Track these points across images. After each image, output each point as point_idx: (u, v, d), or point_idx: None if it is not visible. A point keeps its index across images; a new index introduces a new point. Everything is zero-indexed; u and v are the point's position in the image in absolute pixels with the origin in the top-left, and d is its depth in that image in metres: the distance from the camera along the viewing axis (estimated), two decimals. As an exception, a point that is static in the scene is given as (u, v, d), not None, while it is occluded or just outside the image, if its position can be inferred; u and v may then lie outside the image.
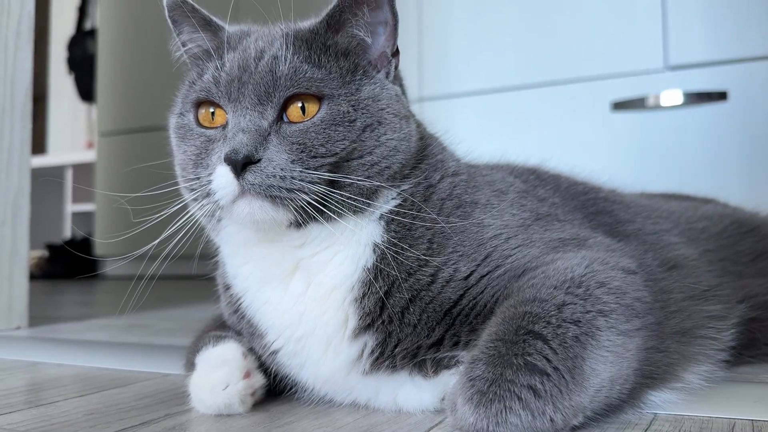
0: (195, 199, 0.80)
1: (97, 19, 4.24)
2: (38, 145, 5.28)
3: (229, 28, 0.87)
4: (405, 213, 0.80)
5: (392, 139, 0.79)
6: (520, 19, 2.75)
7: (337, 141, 0.75)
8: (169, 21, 0.89)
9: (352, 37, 0.81)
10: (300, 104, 0.76)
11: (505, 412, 0.65)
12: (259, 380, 0.84)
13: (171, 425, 0.77)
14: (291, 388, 0.87)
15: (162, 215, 0.86)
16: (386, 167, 0.79)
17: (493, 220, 0.83)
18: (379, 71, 0.83)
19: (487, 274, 0.79)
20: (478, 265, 0.79)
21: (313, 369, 0.81)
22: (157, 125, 3.62)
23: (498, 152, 1.10)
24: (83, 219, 4.35)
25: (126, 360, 1.16)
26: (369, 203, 0.78)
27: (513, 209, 0.87)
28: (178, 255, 0.89)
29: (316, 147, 0.75)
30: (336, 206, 0.75)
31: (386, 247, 0.78)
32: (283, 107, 0.76)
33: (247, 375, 0.83)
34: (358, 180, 0.76)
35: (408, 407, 0.80)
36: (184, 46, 0.89)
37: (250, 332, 0.86)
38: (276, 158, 0.73)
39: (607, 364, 0.70)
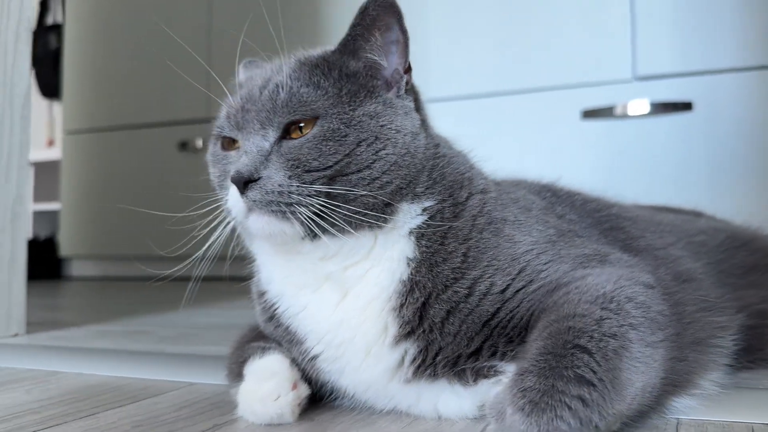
0: (223, 217, 0.87)
1: (60, 13, 4.15)
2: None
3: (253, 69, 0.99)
4: (435, 229, 0.85)
5: (392, 154, 0.83)
6: (495, 27, 2.82)
7: (329, 155, 0.81)
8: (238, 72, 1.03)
9: (366, 60, 0.87)
10: (299, 126, 0.83)
11: (556, 420, 0.70)
12: (304, 390, 0.88)
13: (226, 436, 0.80)
14: (330, 395, 0.91)
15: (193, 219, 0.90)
16: (387, 182, 0.83)
17: (523, 236, 0.88)
18: (391, 89, 0.88)
19: (522, 288, 0.84)
20: (513, 279, 0.84)
21: (353, 375, 0.86)
22: (126, 124, 3.58)
23: (473, 157, 1.15)
24: (47, 219, 4.25)
25: (144, 369, 1.18)
26: (383, 218, 0.83)
27: (539, 225, 0.92)
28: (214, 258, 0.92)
29: (310, 161, 0.81)
30: (341, 218, 0.80)
31: (419, 261, 0.83)
32: (285, 130, 0.83)
33: (294, 386, 0.86)
34: (354, 191, 0.81)
35: (448, 414, 0.85)
36: None
37: (287, 339, 0.90)
38: (275, 175, 0.80)
39: (638, 373, 0.75)
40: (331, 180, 0.81)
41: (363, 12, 0.85)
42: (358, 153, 0.82)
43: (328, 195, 0.80)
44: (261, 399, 0.84)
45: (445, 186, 0.88)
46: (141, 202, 3.49)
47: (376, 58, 0.86)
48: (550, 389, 0.71)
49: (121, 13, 3.64)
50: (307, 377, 0.90)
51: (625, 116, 2.64)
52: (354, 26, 0.86)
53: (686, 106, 2.56)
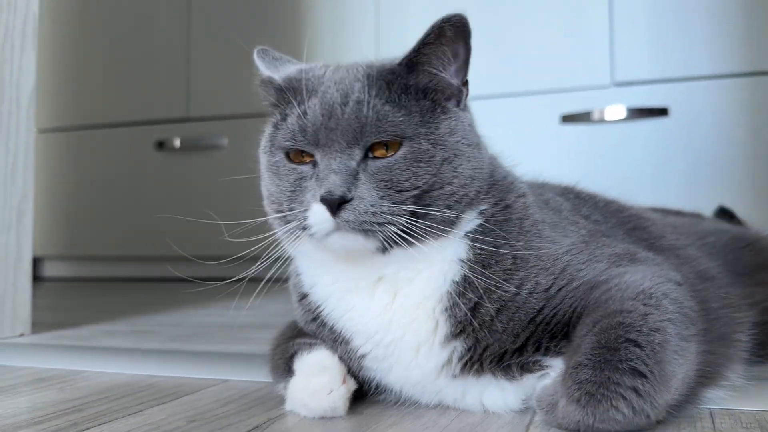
0: (289, 230, 0.87)
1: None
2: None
3: (305, 68, 0.94)
4: (489, 232, 0.88)
5: (468, 168, 0.87)
6: (476, 33, 2.87)
7: (419, 176, 0.83)
8: (256, 62, 0.97)
9: (432, 76, 0.87)
10: (384, 145, 0.84)
11: (611, 410, 0.74)
12: (353, 385, 0.90)
13: (283, 429, 0.82)
14: (374, 391, 0.93)
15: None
16: (464, 195, 0.86)
17: (561, 237, 0.93)
18: (452, 102, 0.90)
19: (564, 286, 0.88)
20: (556, 278, 0.88)
21: (401, 373, 0.88)
22: (101, 123, 3.52)
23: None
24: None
25: (170, 367, 1.18)
26: (451, 230, 0.86)
27: (571, 226, 0.97)
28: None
29: (401, 182, 0.82)
30: (419, 234, 0.83)
31: (473, 262, 0.86)
32: (369, 148, 0.84)
33: (343, 380, 0.89)
34: (440, 211, 0.84)
35: (493, 408, 0.88)
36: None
37: (332, 338, 0.92)
38: (366, 195, 0.81)
39: (678, 366, 0.80)
40: (417, 198, 0.83)
41: (438, 31, 0.85)
42: (443, 171, 0.84)
43: (413, 213, 0.82)
44: (314, 393, 0.86)
45: (497, 190, 0.91)
46: (117, 202, 3.45)
47: (445, 75, 0.88)
48: (606, 381, 0.75)
49: (96, 8, 3.58)
50: (351, 372, 0.92)
51: (602, 121, 2.72)
52: (426, 44, 0.86)
53: (662, 112, 2.65)
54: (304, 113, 0.86)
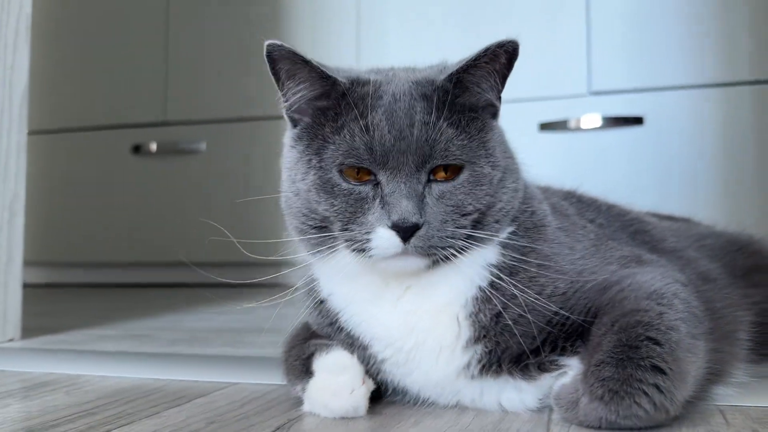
0: (330, 247, 0.86)
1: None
2: None
3: (362, 73, 0.91)
4: (520, 239, 0.89)
5: (512, 182, 0.89)
6: (455, 42, 2.90)
7: (481, 198, 0.84)
8: (270, 67, 0.89)
9: (477, 94, 0.87)
10: (444, 167, 0.84)
11: (634, 406, 0.76)
12: (371, 384, 0.90)
13: (306, 429, 0.82)
14: (391, 392, 0.94)
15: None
16: (510, 209, 0.89)
17: (575, 242, 0.95)
18: (491, 116, 0.90)
19: (579, 288, 0.90)
20: (573, 282, 0.90)
21: (421, 376, 0.89)
22: (75, 126, 3.47)
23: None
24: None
25: (176, 370, 1.17)
26: (492, 240, 0.88)
27: (580, 231, 0.99)
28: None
29: (465, 206, 0.83)
30: (467, 252, 0.84)
31: (502, 268, 0.87)
32: (432, 170, 0.83)
33: (363, 380, 0.89)
34: (493, 233, 0.86)
35: (510, 407, 0.89)
36: (292, 96, 0.89)
37: (349, 343, 0.92)
38: (434, 221, 0.81)
39: (691, 364, 0.82)
40: (475, 221, 0.84)
41: (492, 55, 0.85)
42: (498, 191, 0.86)
43: (469, 235, 0.83)
44: (336, 393, 0.86)
45: (524, 197, 0.93)
46: (92, 207, 3.39)
47: (490, 96, 0.88)
48: (629, 378, 0.77)
49: (72, 10, 3.53)
50: (369, 374, 0.92)
51: (578, 129, 2.76)
52: (476, 65, 0.85)
53: (637, 121, 2.70)
54: (366, 128, 0.83)
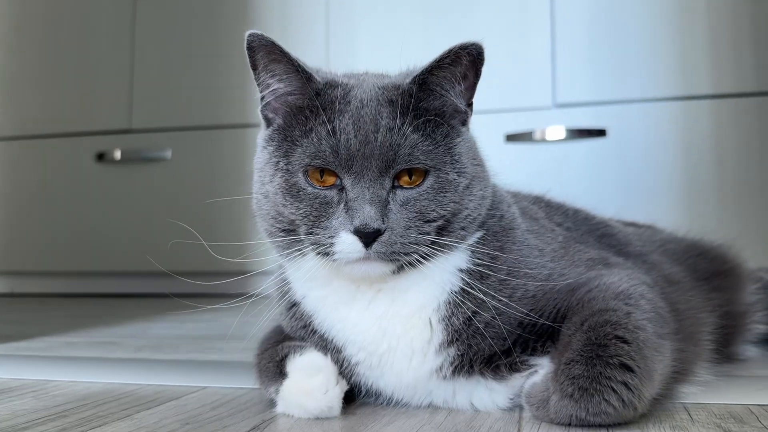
0: (298, 250, 0.86)
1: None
2: None
3: (335, 75, 0.92)
4: (488, 243, 0.91)
5: (480, 189, 0.90)
6: (422, 53, 2.93)
7: (445, 204, 0.85)
8: (249, 58, 0.89)
9: (441, 97, 0.88)
10: (408, 172, 0.84)
11: (603, 403, 0.78)
12: (345, 385, 0.91)
13: (281, 429, 0.83)
14: (363, 393, 0.94)
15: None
16: (478, 215, 0.90)
17: (545, 245, 0.97)
18: (459, 122, 0.91)
19: (549, 290, 0.92)
20: (542, 284, 0.92)
21: (394, 378, 0.90)
22: (37, 133, 3.40)
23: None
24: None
25: (145, 375, 1.17)
26: (459, 246, 0.89)
27: (549, 234, 1.01)
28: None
29: (429, 212, 0.84)
30: (432, 258, 0.86)
31: (472, 272, 0.88)
32: (396, 176, 0.84)
33: (336, 381, 0.90)
34: (457, 240, 0.87)
35: (482, 407, 0.91)
36: (266, 89, 0.90)
37: (322, 345, 0.93)
38: (396, 227, 0.82)
39: (658, 362, 0.85)
40: (440, 227, 0.85)
41: (454, 57, 0.85)
42: (464, 198, 0.87)
43: (433, 241, 0.84)
44: (310, 393, 0.87)
45: (493, 202, 0.94)
46: (56, 215, 3.33)
47: (456, 101, 0.88)
48: (598, 375, 0.79)
49: (34, 14, 3.47)
50: (342, 375, 0.93)
51: (543, 140, 2.81)
52: (440, 67, 0.86)
53: (600, 133, 2.76)
54: (333, 132, 0.84)
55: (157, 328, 1.85)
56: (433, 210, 0.84)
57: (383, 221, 0.81)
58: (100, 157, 3.30)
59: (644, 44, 2.72)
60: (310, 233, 0.84)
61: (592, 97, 2.79)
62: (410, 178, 0.85)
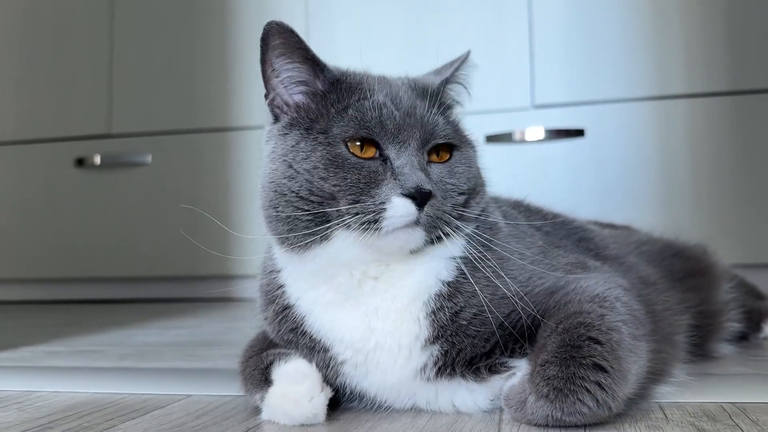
0: (325, 228, 0.86)
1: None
2: None
3: (339, 70, 0.97)
4: (480, 235, 0.93)
5: (481, 176, 0.98)
6: (401, 55, 2.94)
7: (470, 179, 0.93)
8: (262, 48, 0.93)
9: (455, 94, 1.03)
10: (436, 149, 0.92)
11: (578, 403, 0.81)
12: (329, 392, 0.92)
13: (266, 437, 0.84)
14: (346, 398, 0.96)
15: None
16: (481, 200, 0.96)
17: (525, 248, 0.99)
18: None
19: (528, 292, 0.94)
20: (523, 285, 0.94)
21: (378, 377, 0.92)
22: (13, 139, 3.37)
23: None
24: None
25: (129, 384, 1.17)
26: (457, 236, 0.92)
27: (529, 238, 1.04)
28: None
29: (460, 185, 0.91)
30: (454, 233, 0.89)
31: (465, 262, 0.91)
32: (428, 151, 0.91)
33: (321, 387, 0.91)
34: (477, 215, 0.94)
35: (463, 408, 0.93)
36: (278, 75, 0.94)
37: (310, 347, 0.94)
38: (439, 195, 0.87)
39: (632, 363, 0.87)
40: (465, 202, 0.92)
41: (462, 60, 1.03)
42: (478, 177, 0.96)
43: (460, 215, 0.90)
44: (296, 400, 0.88)
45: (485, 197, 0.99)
46: (35, 221, 3.31)
47: (454, 94, 1.03)
48: (572, 376, 0.81)
49: (11, 18, 3.44)
50: (326, 380, 0.94)
51: (523, 141, 2.84)
52: (459, 68, 1.02)
53: (579, 133, 2.80)
54: (374, 106, 0.89)
55: (141, 336, 1.85)
56: (464, 183, 0.92)
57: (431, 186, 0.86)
58: (80, 162, 3.28)
59: (620, 45, 2.75)
60: (357, 202, 0.85)
61: (570, 97, 2.82)
62: (437, 156, 0.91)
